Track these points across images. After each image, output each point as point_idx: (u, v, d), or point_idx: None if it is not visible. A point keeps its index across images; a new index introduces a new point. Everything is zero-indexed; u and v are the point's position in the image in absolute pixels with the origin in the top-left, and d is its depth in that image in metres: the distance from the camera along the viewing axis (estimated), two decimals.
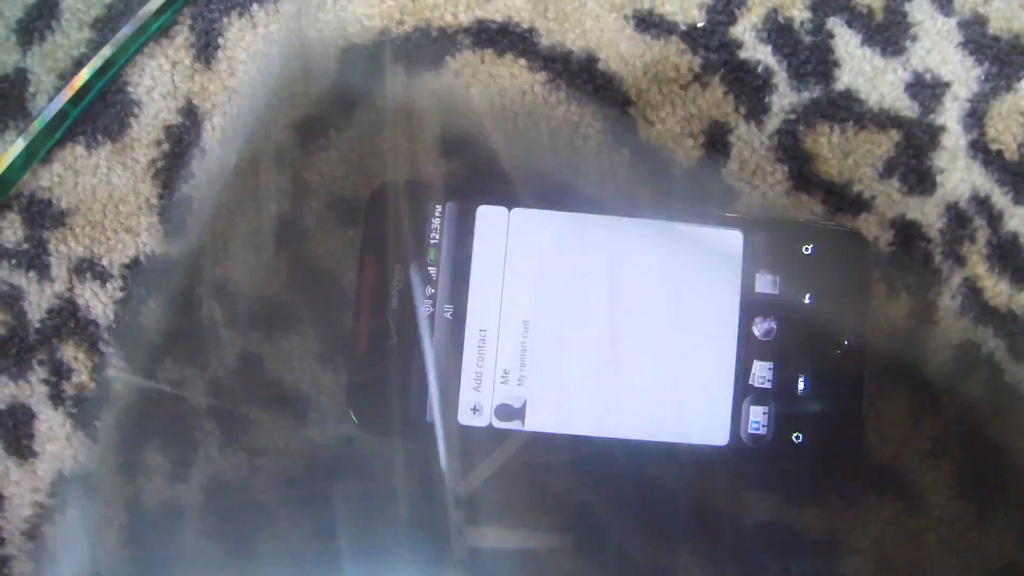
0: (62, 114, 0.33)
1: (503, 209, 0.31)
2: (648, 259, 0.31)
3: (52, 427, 0.33)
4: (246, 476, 0.32)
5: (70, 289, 0.33)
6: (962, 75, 0.34)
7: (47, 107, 0.33)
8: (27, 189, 0.34)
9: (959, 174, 0.33)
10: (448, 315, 0.30)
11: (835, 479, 0.32)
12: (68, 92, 0.33)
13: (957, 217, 0.33)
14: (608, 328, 0.30)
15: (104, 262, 0.33)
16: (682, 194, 0.33)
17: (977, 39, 0.34)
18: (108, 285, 0.33)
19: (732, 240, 0.31)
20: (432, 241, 0.30)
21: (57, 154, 0.34)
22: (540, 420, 0.30)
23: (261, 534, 0.32)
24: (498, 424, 0.30)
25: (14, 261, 0.33)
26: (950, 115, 0.34)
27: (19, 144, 0.33)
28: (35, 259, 0.33)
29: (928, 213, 0.33)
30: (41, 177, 0.34)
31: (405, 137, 0.33)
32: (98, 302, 0.33)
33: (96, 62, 0.33)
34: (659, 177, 0.33)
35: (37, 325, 0.33)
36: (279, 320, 0.32)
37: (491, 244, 0.30)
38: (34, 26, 0.34)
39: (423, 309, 0.30)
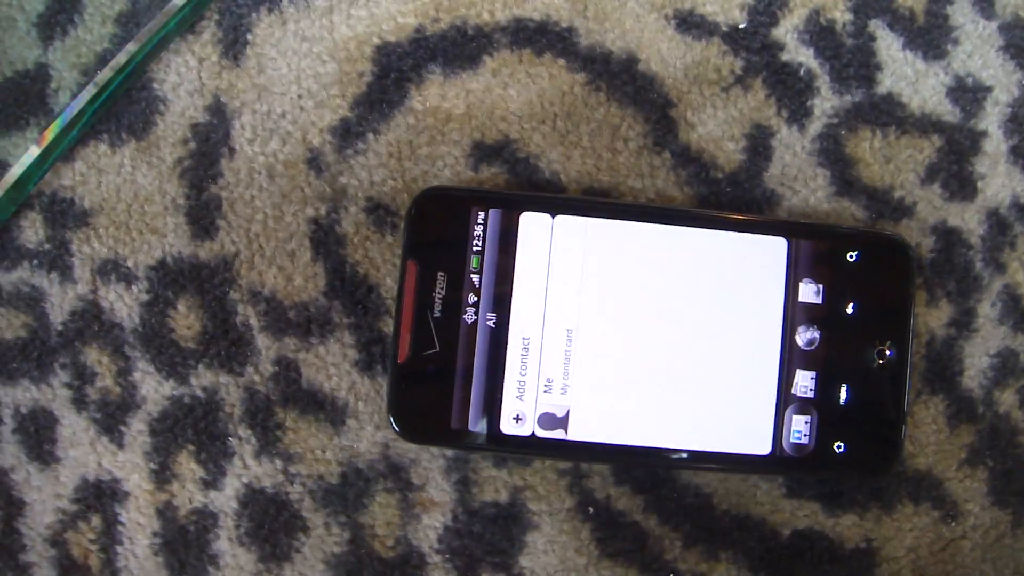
0: (84, 111, 0.32)
1: (547, 216, 0.30)
2: (692, 267, 0.30)
3: (75, 432, 0.32)
4: (281, 484, 0.32)
5: (94, 291, 0.32)
6: (1003, 79, 0.34)
7: (71, 104, 0.32)
8: (49, 188, 0.33)
9: (1000, 180, 0.33)
10: (491, 323, 0.30)
11: (873, 487, 0.32)
12: (92, 88, 0.32)
13: (998, 224, 0.33)
14: (651, 337, 0.30)
15: (129, 263, 0.32)
16: (723, 198, 0.32)
17: (1018, 43, 0.34)
18: (133, 287, 0.32)
19: (776, 247, 0.30)
20: (475, 248, 0.30)
21: (80, 152, 0.33)
22: (583, 429, 0.30)
23: (296, 542, 0.32)
24: (541, 433, 0.30)
25: (36, 262, 0.33)
26: (991, 120, 0.33)
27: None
28: (57, 260, 0.33)
29: (969, 219, 0.33)
30: (63, 176, 0.33)
31: (444, 141, 0.32)
32: (123, 304, 0.32)
33: (121, 58, 0.32)
34: (700, 180, 0.32)
35: (59, 327, 0.32)
36: (316, 326, 0.32)
37: (535, 251, 0.30)
38: (56, 21, 0.33)
39: (466, 317, 0.30)
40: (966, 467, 0.32)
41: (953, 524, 0.32)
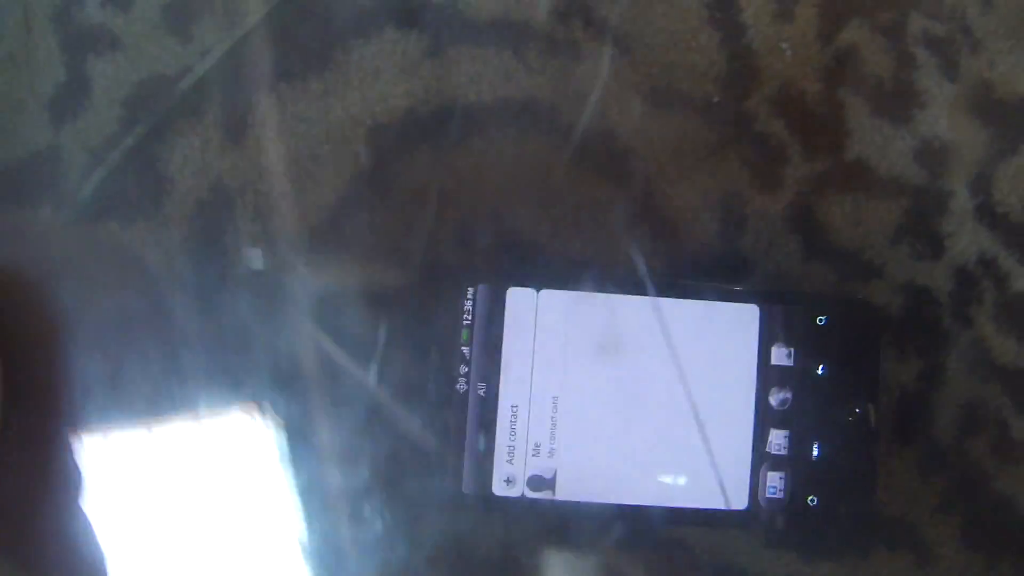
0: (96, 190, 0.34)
1: (532, 291, 0.32)
2: (670, 334, 0.32)
3: None
4: None
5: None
6: (968, 139, 0.35)
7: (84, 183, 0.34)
8: None
9: (967, 237, 0.35)
10: (481, 392, 0.32)
11: (849, 536, 0.34)
12: (102, 170, 0.34)
13: (965, 280, 0.34)
14: (633, 401, 0.32)
15: None
16: (700, 266, 0.34)
17: (983, 104, 0.35)
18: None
19: (749, 315, 0.32)
20: (465, 322, 0.32)
21: (92, 231, 0.35)
22: (570, 489, 0.32)
23: None
24: (530, 494, 0.32)
25: None
26: (957, 179, 0.35)
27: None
28: None
29: (937, 277, 0.34)
30: None
31: (434, 219, 0.34)
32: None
33: (128, 140, 0.34)
34: (678, 251, 0.34)
35: None
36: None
37: (521, 324, 0.32)
38: (66, 104, 0.35)
39: (458, 386, 0.32)
40: (939, 513, 0.34)
41: (928, 568, 0.34)
